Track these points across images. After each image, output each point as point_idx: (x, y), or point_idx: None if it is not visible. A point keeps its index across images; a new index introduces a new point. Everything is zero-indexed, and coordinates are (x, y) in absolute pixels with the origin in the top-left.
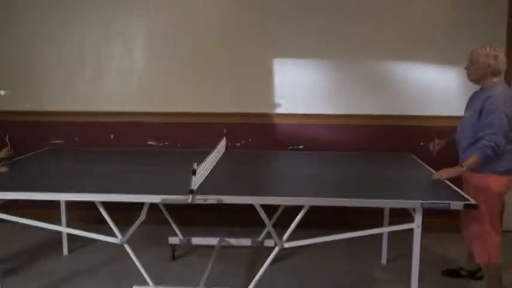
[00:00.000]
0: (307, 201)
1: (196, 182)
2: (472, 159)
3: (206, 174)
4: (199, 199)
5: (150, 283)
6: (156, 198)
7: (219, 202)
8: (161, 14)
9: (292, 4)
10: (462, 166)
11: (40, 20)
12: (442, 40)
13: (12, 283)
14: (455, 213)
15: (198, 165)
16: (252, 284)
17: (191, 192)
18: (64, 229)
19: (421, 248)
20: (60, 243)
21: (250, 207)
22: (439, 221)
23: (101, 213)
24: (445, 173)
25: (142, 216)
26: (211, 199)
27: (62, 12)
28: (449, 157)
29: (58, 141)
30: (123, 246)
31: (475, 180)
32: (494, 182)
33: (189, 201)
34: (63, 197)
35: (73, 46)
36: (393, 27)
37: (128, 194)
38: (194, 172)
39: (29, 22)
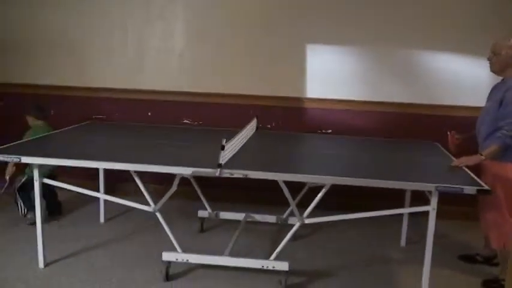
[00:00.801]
0: (328, 180)
1: (224, 157)
2: (491, 148)
3: (235, 151)
4: (226, 173)
5: (179, 250)
6: (187, 170)
7: (244, 176)
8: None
9: None
10: (482, 154)
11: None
12: (474, 31)
13: (50, 246)
14: (475, 201)
15: (226, 141)
16: (273, 255)
17: (219, 166)
18: (102, 195)
19: (441, 233)
20: (98, 212)
21: (277, 186)
22: (459, 208)
23: (136, 186)
24: (464, 161)
25: (174, 187)
26: (237, 173)
27: None
28: (469, 148)
29: (99, 116)
30: (155, 217)
31: (493, 169)
32: (511, 170)
33: (217, 174)
34: (102, 165)
35: (117, 27)
36: (427, 16)
37: (161, 166)
38: (223, 148)
39: (77, 2)
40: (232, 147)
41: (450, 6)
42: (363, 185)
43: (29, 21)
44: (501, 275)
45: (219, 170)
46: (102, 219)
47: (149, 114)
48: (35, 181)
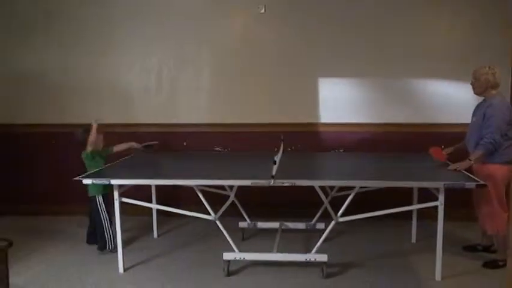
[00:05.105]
0: (357, 183)
1: (275, 169)
2: (476, 152)
3: (276, 167)
4: (278, 182)
5: (236, 250)
6: (246, 182)
7: (292, 184)
8: (224, 42)
9: (334, 36)
10: (470, 159)
11: (130, 51)
12: (458, 60)
13: (107, 258)
14: (472, 204)
15: (275, 158)
16: (314, 249)
17: (272, 177)
18: (159, 207)
19: (447, 231)
20: (151, 228)
21: (301, 200)
22: (461, 211)
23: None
24: (458, 165)
25: (232, 197)
26: (287, 182)
27: (142, 43)
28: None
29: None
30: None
31: (484, 170)
32: (498, 170)
33: (271, 183)
34: (170, 182)
35: (154, 70)
36: (420, 51)
37: (223, 180)
38: (275, 162)
39: (121, 52)
40: (277, 163)
41: (439, 43)
42: (384, 186)
43: (78, 68)
44: (498, 257)
45: (272, 180)
46: (155, 235)
47: (184, 144)
48: (115, 200)
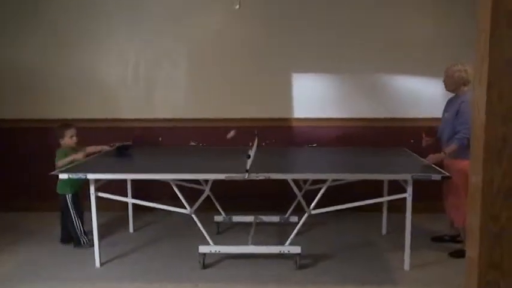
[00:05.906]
0: (329, 176)
1: (249, 163)
2: (451, 147)
3: (250, 162)
4: (253, 176)
5: (211, 243)
6: (221, 176)
7: (267, 178)
8: (200, 38)
9: (307, 32)
10: (444, 153)
11: (107, 45)
12: (426, 56)
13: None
14: (440, 196)
15: (249, 153)
16: (288, 241)
17: (247, 171)
18: (131, 200)
19: (416, 223)
20: (126, 223)
21: (275, 194)
22: (429, 203)
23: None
24: (434, 157)
25: (207, 191)
26: (261, 176)
27: (119, 39)
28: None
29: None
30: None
31: (455, 166)
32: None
33: (246, 177)
34: (146, 176)
35: (130, 66)
36: (390, 45)
37: (198, 174)
38: (249, 156)
39: (100, 48)
40: (251, 157)
41: (409, 39)
42: (356, 179)
43: (54, 63)
44: (464, 247)
45: (247, 174)
46: (131, 229)
47: (160, 139)
48: (91, 195)
